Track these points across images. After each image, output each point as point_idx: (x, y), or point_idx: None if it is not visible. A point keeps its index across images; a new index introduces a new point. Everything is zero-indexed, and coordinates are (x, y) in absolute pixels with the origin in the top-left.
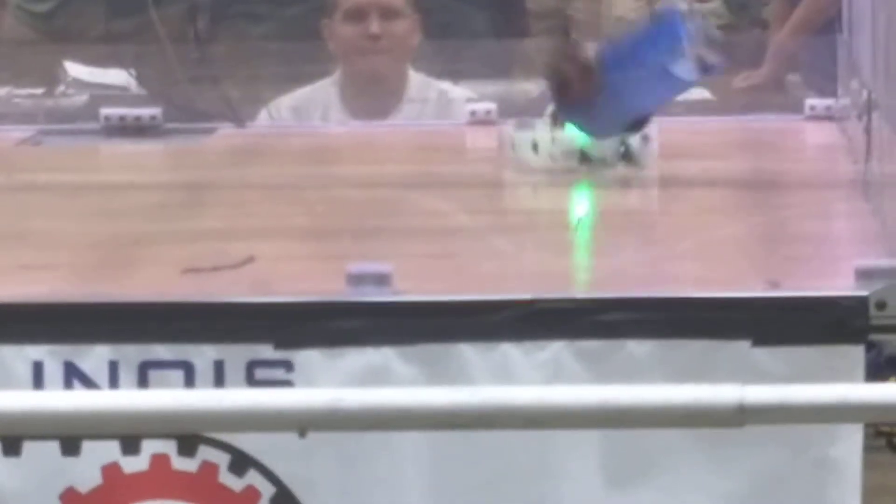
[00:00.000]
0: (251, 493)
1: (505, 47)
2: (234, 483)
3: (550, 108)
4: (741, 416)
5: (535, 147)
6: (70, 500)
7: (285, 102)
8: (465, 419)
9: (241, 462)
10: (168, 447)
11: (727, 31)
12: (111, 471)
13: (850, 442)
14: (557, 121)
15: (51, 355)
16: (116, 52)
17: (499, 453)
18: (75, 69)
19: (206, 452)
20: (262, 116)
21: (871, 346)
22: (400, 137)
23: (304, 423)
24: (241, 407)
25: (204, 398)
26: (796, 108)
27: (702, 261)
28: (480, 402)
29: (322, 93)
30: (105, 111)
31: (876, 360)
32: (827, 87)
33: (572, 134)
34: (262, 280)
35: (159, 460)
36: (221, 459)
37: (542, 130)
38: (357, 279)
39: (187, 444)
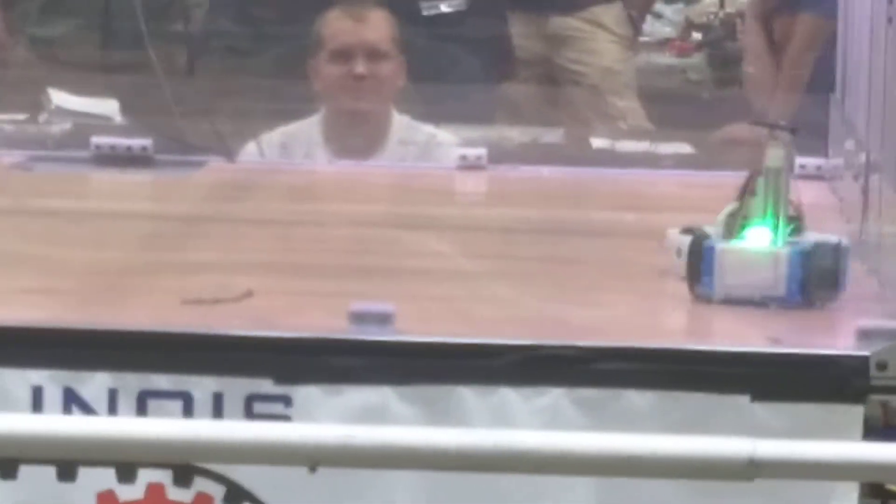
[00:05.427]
0: None
1: (490, 92)
2: None
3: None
4: (752, 469)
5: None
6: None
7: (272, 138)
8: (476, 461)
9: (235, 495)
10: (164, 477)
11: (708, 85)
12: (106, 498)
13: (844, 501)
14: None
15: (51, 380)
16: (110, 82)
17: (492, 497)
18: (59, 97)
19: (200, 484)
20: (248, 149)
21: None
22: (389, 179)
23: (315, 458)
24: (252, 439)
25: (213, 429)
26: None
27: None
28: (493, 445)
29: (306, 131)
30: (96, 140)
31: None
32: (815, 146)
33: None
34: (263, 314)
35: (155, 489)
36: (216, 491)
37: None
38: (359, 317)
39: (183, 475)
